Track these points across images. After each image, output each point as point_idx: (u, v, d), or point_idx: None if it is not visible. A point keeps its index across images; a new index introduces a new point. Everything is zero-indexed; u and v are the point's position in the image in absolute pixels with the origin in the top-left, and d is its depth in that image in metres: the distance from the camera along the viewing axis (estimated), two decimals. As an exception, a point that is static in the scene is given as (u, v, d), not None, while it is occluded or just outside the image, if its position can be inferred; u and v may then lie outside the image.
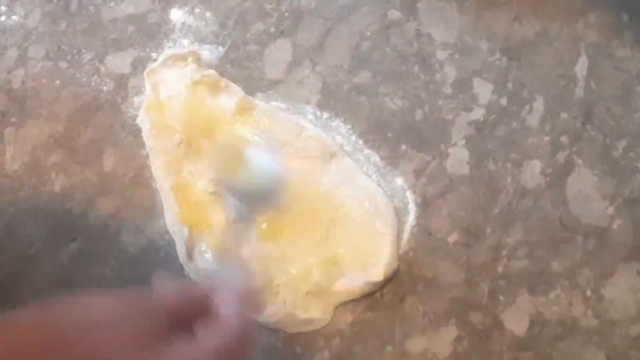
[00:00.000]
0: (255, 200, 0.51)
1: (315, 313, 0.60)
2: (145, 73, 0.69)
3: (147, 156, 0.67)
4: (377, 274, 0.59)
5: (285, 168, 0.52)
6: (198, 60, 0.69)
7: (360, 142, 0.66)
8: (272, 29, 0.71)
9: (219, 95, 0.67)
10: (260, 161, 0.51)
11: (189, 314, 0.43)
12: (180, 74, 0.68)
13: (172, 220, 0.64)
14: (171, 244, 0.64)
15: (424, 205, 0.63)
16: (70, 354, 0.39)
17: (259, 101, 0.67)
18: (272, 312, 0.60)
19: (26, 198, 0.67)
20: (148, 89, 0.68)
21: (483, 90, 0.66)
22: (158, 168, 0.66)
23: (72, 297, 0.42)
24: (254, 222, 0.54)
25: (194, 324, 0.43)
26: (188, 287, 0.47)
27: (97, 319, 0.41)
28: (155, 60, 0.70)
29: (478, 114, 0.65)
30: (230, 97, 0.67)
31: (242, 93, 0.67)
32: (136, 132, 0.68)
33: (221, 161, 0.55)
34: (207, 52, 0.71)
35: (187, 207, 0.64)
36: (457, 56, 0.67)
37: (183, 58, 0.69)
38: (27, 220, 0.66)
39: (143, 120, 0.68)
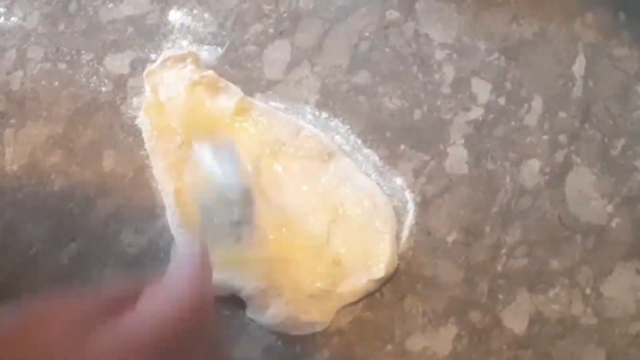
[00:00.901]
0: (225, 208, 0.60)
1: (317, 316, 0.60)
2: (144, 74, 0.69)
3: (147, 157, 0.67)
4: (379, 271, 0.60)
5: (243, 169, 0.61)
6: (197, 61, 0.69)
7: (359, 141, 0.66)
8: (271, 30, 0.71)
9: (218, 96, 0.67)
10: (223, 174, 0.61)
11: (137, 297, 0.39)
12: (179, 75, 0.68)
13: (175, 223, 0.64)
14: (171, 244, 0.64)
15: (423, 205, 0.63)
16: None
17: (257, 101, 0.67)
18: (274, 314, 0.60)
19: (26, 199, 0.67)
20: (147, 90, 0.68)
21: (481, 90, 0.66)
22: (160, 170, 0.66)
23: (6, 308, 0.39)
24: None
25: None
26: (137, 276, 0.43)
27: (25, 324, 0.38)
28: (154, 61, 0.70)
29: (476, 113, 0.65)
30: (229, 98, 0.67)
31: (241, 93, 0.67)
32: (135, 132, 0.68)
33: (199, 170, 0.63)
34: (206, 53, 0.71)
35: (189, 210, 0.64)
36: (455, 56, 0.68)
37: (182, 59, 0.69)
38: (27, 221, 0.66)
39: (143, 122, 0.67)
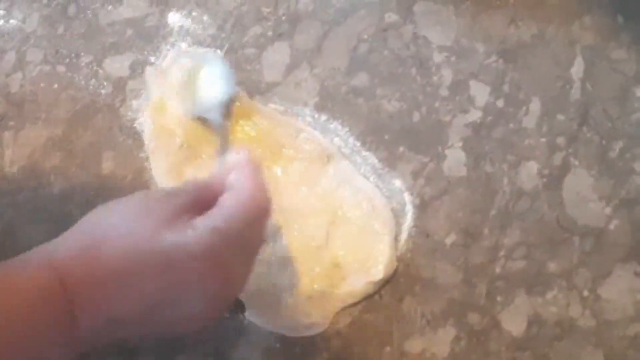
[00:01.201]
0: (222, 104, 0.63)
1: (316, 318, 0.60)
2: (153, 74, 0.69)
3: (146, 159, 0.67)
4: (377, 273, 0.60)
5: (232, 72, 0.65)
6: None
7: (358, 144, 0.66)
8: (270, 32, 0.71)
9: None
10: (216, 73, 0.65)
11: (211, 196, 0.48)
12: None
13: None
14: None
15: (422, 207, 0.63)
16: (113, 259, 0.45)
17: (262, 105, 0.67)
18: (273, 315, 0.60)
19: (25, 201, 0.67)
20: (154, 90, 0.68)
21: (480, 92, 0.66)
22: (159, 171, 0.66)
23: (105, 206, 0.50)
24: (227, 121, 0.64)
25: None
26: (205, 178, 0.53)
27: (127, 218, 0.48)
28: (153, 63, 0.70)
29: (475, 115, 0.66)
30: (235, 102, 0.66)
31: (245, 97, 0.67)
32: (135, 135, 0.68)
33: (183, 91, 0.66)
34: (205, 56, 0.71)
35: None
36: (453, 59, 0.68)
37: None
38: (26, 223, 0.66)
39: (146, 122, 0.67)
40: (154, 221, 0.46)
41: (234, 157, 0.51)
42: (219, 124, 0.63)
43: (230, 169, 0.50)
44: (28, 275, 0.44)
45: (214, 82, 0.65)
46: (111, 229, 0.47)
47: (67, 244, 0.47)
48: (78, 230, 0.48)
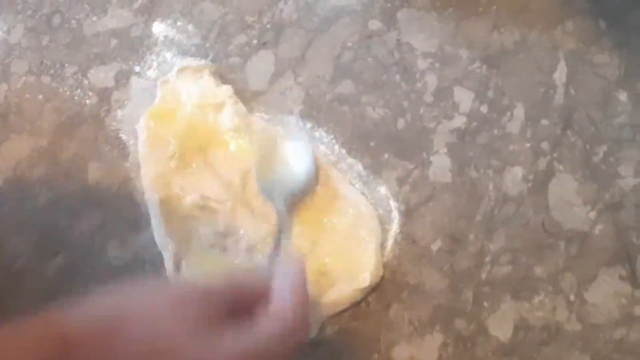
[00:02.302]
0: (292, 194, 0.59)
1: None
2: (159, 82, 0.69)
3: (132, 169, 0.67)
4: (364, 280, 0.60)
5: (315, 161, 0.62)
6: (213, 74, 0.69)
7: (344, 151, 0.66)
8: (254, 41, 0.71)
9: (223, 111, 0.67)
10: (298, 158, 0.61)
11: (248, 301, 0.44)
12: (193, 86, 0.68)
13: (161, 233, 0.64)
14: (156, 257, 0.64)
15: (407, 213, 0.63)
16: (128, 343, 0.41)
17: (259, 119, 0.67)
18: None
19: (10, 213, 0.67)
20: (158, 98, 0.68)
21: (464, 98, 0.66)
22: (148, 179, 0.65)
23: (133, 286, 0.46)
24: (291, 213, 0.58)
25: (253, 311, 0.44)
26: (246, 275, 0.48)
27: (155, 306, 0.43)
28: (138, 73, 0.70)
29: (459, 122, 0.66)
30: (234, 114, 0.66)
31: (244, 110, 0.67)
32: (120, 145, 0.68)
33: (258, 157, 0.62)
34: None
35: (175, 220, 0.64)
36: (437, 65, 0.68)
37: (198, 70, 0.69)
38: (12, 234, 0.66)
39: (141, 127, 0.67)
40: (182, 326, 0.42)
41: (288, 263, 0.47)
42: (281, 214, 0.58)
43: (279, 275, 0.46)
44: (34, 343, 0.41)
45: (294, 166, 0.62)
46: (134, 319, 0.43)
47: (83, 318, 0.43)
48: (99, 306, 0.44)
